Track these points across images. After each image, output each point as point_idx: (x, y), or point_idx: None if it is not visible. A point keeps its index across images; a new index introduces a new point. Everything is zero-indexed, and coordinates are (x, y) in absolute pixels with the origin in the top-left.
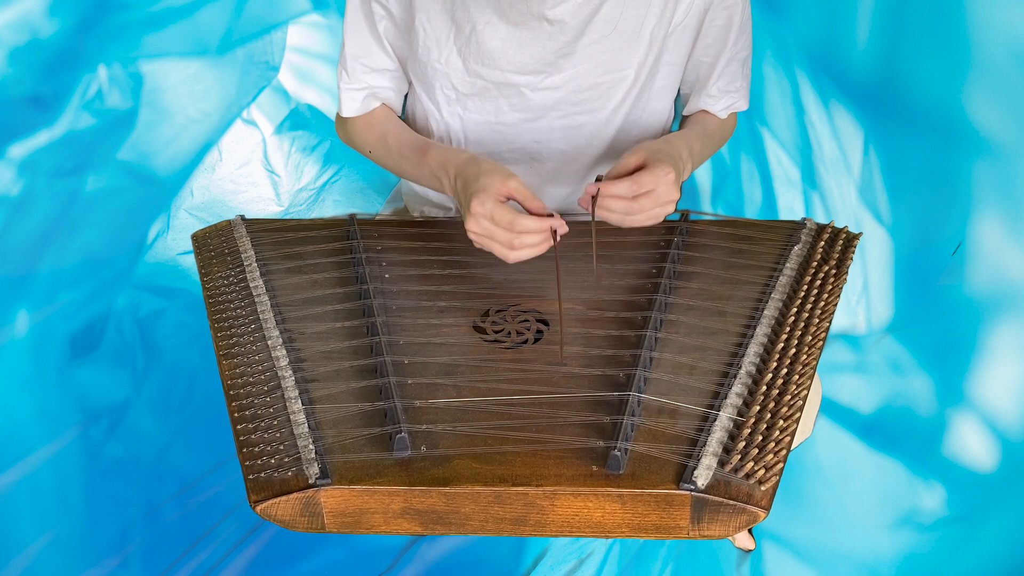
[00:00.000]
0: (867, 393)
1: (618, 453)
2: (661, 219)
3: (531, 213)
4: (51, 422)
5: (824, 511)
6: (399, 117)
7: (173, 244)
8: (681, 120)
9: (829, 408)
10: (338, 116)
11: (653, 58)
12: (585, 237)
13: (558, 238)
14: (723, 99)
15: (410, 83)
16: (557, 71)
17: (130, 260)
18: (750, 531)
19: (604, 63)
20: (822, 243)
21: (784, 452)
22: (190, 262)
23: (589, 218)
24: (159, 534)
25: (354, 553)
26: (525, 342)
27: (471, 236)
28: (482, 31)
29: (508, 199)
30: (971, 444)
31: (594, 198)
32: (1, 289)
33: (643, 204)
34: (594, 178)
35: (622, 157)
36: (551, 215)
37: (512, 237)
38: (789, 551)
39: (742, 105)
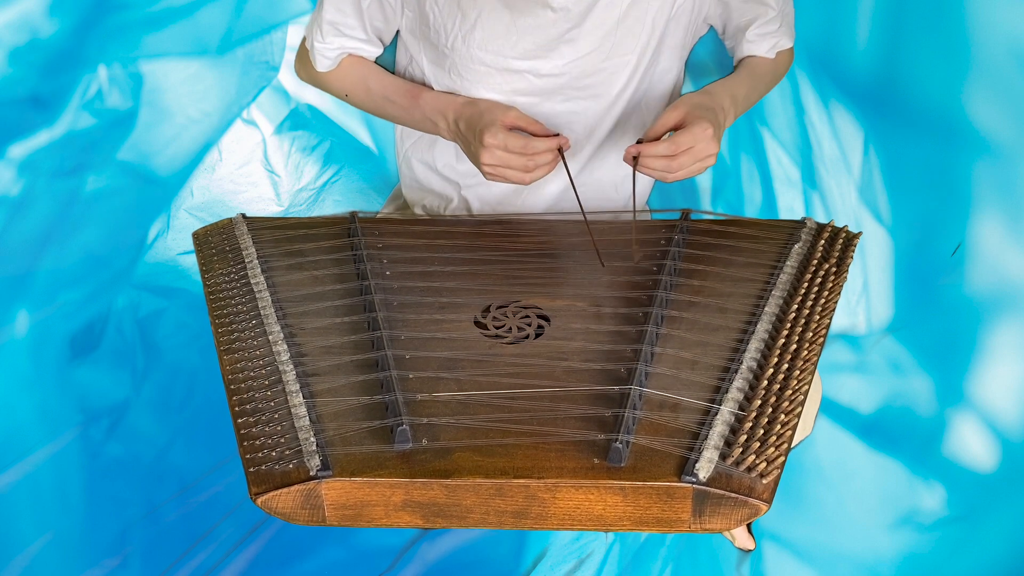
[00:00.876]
0: (867, 393)
1: (619, 446)
2: (703, 171)
3: (535, 135)
4: (51, 422)
5: (824, 511)
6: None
7: (173, 244)
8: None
9: (829, 408)
10: (298, 57)
11: (655, 43)
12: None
13: (564, 153)
14: (764, 42)
15: (394, 46)
16: (559, 57)
17: (130, 260)
18: (750, 531)
19: (606, 48)
20: (822, 242)
21: (785, 446)
22: (190, 262)
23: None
24: (159, 534)
25: (354, 553)
26: (527, 337)
27: (485, 169)
28: (487, 18)
29: (512, 128)
30: (971, 444)
31: (636, 158)
32: (1, 289)
33: (682, 161)
34: (600, 154)
35: (662, 113)
36: (557, 135)
37: (526, 160)
38: (789, 551)
39: (787, 42)
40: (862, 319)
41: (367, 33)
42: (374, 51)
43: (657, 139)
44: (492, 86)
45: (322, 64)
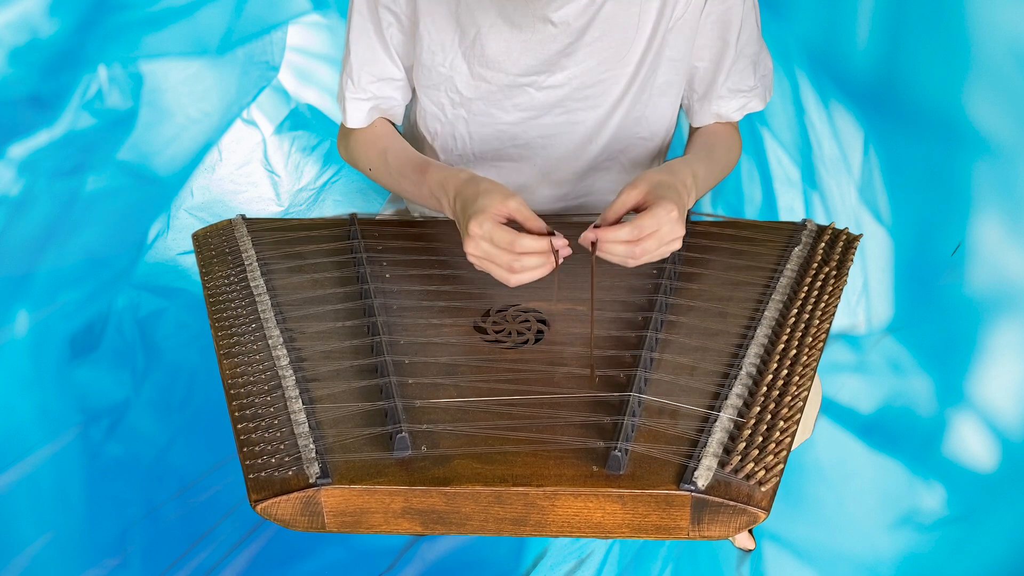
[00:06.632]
0: (867, 393)
1: (619, 453)
2: (668, 255)
3: (530, 232)
4: (51, 422)
5: (824, 511)
6: (399, 130)
7: (173, 244)
8: (689, 133)
9: (829, 408)
10: (340, 132)
11: (654, 53)
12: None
13: (560, 260)
14: (735, 99)
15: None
16: (560, 70)
17: (130, 260)
18: (750, 531)
19: (606, 60)
20: (822, 244)
21: (784, 453)
22: (190, 262)
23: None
24: (159, 534)
25: (354, 553)
26: (526, 342)
27: (470, 259)
28: (486, 35)
29: (508, 220)
30: (971, 444)
31: (593, 244)
32: (1, 289)
33: (646, 247)
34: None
35: (621, 191)
36: (552, 234)
37: (512, 259)
38: (789, 551)
39: (757, 105)
40: (862, 319)
41: (398, 68)
42: (405, 97)
43: (617, 220)
44: (493, 102)
45: (354, 119)
